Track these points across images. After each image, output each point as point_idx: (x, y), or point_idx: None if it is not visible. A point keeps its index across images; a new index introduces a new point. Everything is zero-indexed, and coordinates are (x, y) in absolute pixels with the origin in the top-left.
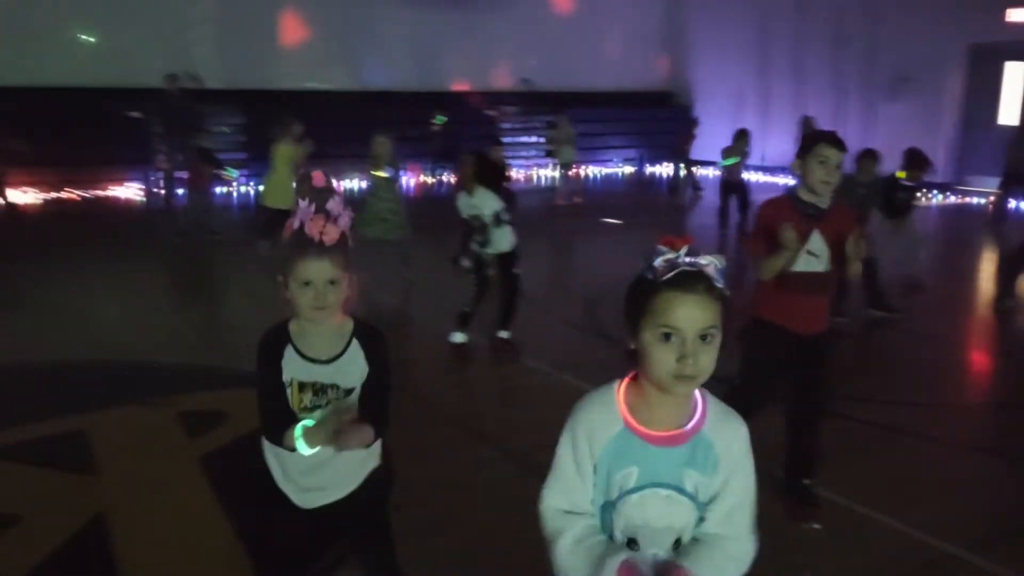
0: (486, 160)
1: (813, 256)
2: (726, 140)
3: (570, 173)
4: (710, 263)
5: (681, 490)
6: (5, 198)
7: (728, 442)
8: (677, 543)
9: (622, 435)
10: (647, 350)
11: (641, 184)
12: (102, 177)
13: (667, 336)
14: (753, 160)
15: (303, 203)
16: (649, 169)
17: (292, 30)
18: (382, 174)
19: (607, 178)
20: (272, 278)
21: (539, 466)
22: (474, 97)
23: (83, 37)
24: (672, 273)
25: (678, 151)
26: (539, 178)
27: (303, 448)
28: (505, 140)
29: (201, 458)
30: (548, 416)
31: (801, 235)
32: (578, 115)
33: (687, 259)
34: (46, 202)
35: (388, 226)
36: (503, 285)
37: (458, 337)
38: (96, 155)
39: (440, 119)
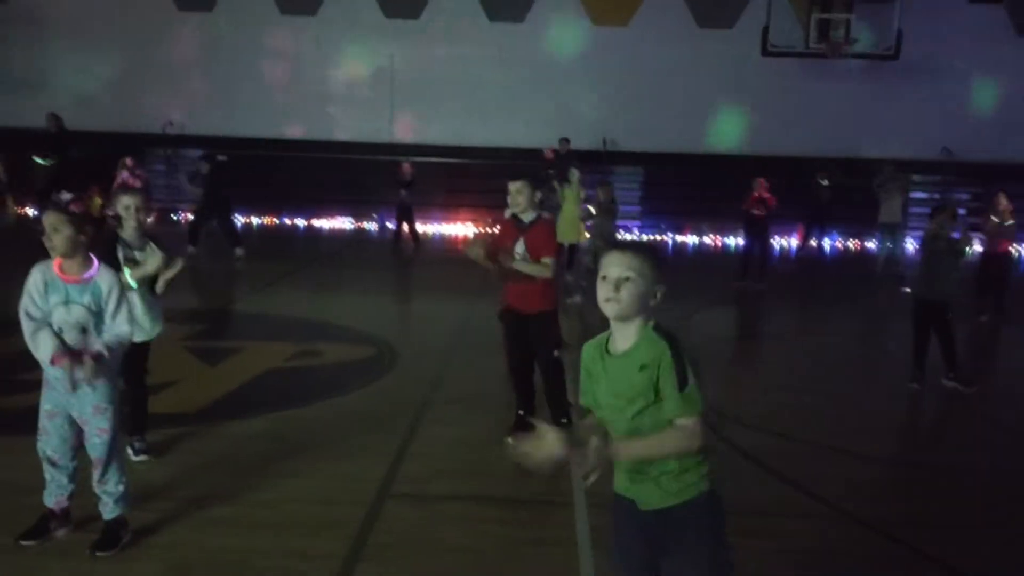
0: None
1: (519, 256)
2: None
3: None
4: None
5: (82, 304)
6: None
7: (105, 285)
8: (84, 331)
9: (54, 279)
10: None
11: None
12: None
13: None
14: None
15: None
16: None
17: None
18: None
19: None
20: None
21: None
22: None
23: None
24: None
25: None
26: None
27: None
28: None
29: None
30: None
31: (513, 240)
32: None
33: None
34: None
35: None
36: None
37: None
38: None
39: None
